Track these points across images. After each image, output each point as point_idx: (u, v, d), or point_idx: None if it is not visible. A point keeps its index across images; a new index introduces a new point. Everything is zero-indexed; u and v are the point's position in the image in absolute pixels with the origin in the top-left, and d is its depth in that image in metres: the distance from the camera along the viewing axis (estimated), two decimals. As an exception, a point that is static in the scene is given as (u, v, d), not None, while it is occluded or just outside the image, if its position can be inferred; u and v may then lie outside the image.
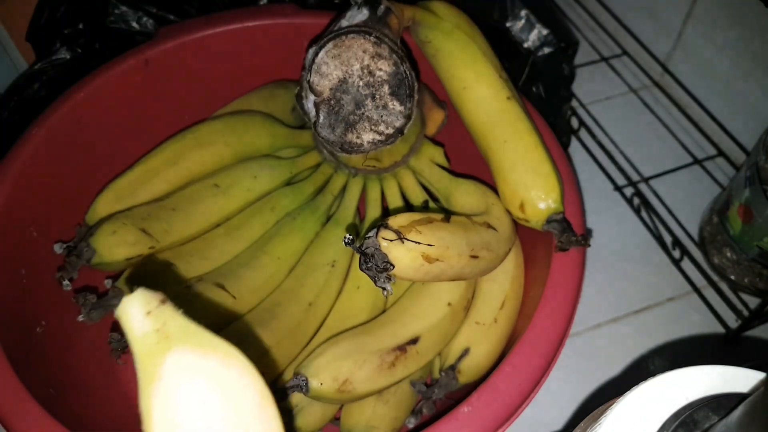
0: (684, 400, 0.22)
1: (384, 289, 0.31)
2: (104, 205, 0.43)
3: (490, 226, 0.38)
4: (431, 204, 0.44)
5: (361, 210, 0.47)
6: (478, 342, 0.40)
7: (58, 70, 0.52)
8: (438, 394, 0.39)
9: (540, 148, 0.39)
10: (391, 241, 0.32)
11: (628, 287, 0.54)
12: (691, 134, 0.62)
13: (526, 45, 0.51)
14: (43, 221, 0.44)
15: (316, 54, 0.32)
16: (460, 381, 0.39)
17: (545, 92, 0.52)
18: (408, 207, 0.45)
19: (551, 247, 0.39)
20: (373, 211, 0.45)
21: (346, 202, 0.45)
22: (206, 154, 0.46)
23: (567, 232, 0.37)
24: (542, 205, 0.38)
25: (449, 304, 0.38)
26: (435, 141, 0.48)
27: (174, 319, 0.17)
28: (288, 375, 0.39)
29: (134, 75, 0.49)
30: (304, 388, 0.33)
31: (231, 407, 0.17)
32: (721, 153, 0.59)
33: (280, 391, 0.34)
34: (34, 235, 0.44)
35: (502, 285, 0.42)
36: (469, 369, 0.39)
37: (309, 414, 0.37)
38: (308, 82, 0.32)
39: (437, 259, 0.33)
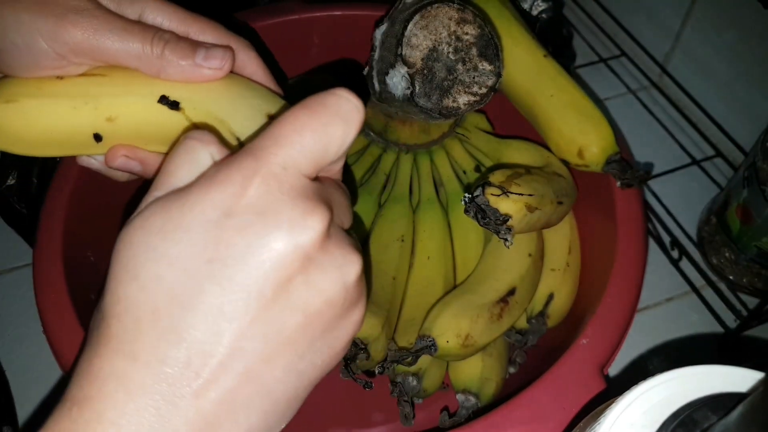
0: (683, 399, 0.22)
1: (506, 240, 0.33)
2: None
3: (559, 175, 0.41)
4: (482, 169, 0.46)
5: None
6: (558, 287, 0.42)
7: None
8: (532, 341, 0.41)
9: (586, 97, 0.42)
10: (498, 196, 0.34)
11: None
12: (690, 135, 0.62)
13: (531, 12, 0.54)
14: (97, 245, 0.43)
15: (404, 27, 0.33)
16: (548, 325, 0.42)
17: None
18: (457, 176, 0.47)
19: (604, 187, 0.42)
20: (426, 185, 0.46)
21: (401, 179, 0.46)
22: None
23: (629, 169, 0.40)
24: (601, 149, 0.41)
25: (530, 254, 0.41)
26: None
27: None
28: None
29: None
30: (432, 348, 0.35)
31: None
32: (719, 153, 0.58)
33: (408, 357, 0.35)
34: (91, 260, 0.43)
35: (563, 232, 0.44)
36: (555, 312, 0.42)
37: (429, 377, 0.38)
38: (400, 55, 0.33)
39: (537, 208, 0.35)
